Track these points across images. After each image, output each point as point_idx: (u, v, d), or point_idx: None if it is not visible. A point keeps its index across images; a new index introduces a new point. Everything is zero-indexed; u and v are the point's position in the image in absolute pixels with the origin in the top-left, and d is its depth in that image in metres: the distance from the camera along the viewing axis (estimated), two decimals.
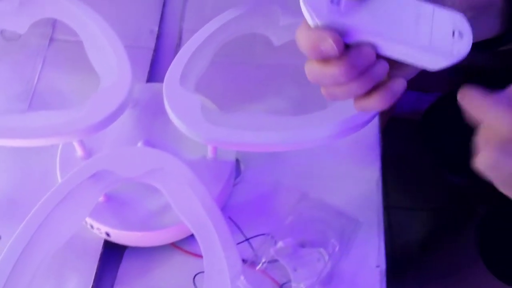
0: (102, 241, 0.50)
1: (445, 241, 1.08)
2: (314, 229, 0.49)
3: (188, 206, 0.42)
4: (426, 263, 1.07)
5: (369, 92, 0.32)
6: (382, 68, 0.31)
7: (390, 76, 0.32)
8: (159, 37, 0.65)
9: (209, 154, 0.51)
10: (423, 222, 1.14)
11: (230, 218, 0.52)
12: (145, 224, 0.48)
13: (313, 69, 0.32)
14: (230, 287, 0.39)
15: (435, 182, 1.13)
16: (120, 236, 0.49)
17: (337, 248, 0.46)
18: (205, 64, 0.52)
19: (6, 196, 0.52)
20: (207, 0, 0.67)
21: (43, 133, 0.45)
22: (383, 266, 0.49)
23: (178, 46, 0.64)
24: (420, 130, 0.89)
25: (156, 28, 0.65)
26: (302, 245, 0.49)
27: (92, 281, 0.48)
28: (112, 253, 0.51)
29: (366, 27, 0.29)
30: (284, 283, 0.47)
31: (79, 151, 0.50)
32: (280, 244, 0.47)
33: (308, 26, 0.30)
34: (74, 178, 0.44)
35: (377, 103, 0.32)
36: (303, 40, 0.30)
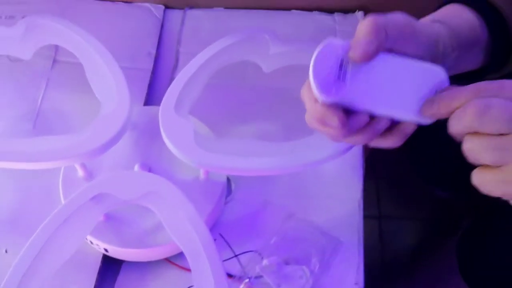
0: (101, 256, 0.54)
1: (432, 251, 1.11)
2: (298, 247, 0.53)
3: (179, 226, 0.46)
4: (415, 271, 1.10)
5: (382, 134, 0.35)
6: (381, 125, 0.33)
7: None
8: (156, 59, 0.68)
9: (202, 175, 0.55)
10: (413, 231, 1.17)
11: (220, 235, 0.56)
12: (140, 241, 0.51)
13: (312, 124, 0.35)
14: None
15: (425, 192, 1.17)
16: (117, 252, 0.52)
17: (317, 267, 0.49)
18: (198, 91, 0.56)
19: (12, 213, 0.56)
20: (202, 25, 0.71)
21: (48, 157, 0.49)
22: (361, 284, 0.53)
23: (175, 68, 0.68)
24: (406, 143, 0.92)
25: (154, 51, 0.68)
26: (287, 262, 0.52)
27: None
28: (110, 267, 0.54)
29: (365, 101, 0.32)
30: None
31: (80, 172, 0.54)
32: (265, 261, 0.51)
33: (311, 89, 0.33)
34: (77, 200, 0.48)
35: (390, 143, 0.35)
36: (311, 113, 0.33)
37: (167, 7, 0.72)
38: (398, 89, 0.32)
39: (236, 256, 0.55)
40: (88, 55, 0.56)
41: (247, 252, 0.54)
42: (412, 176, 1.14)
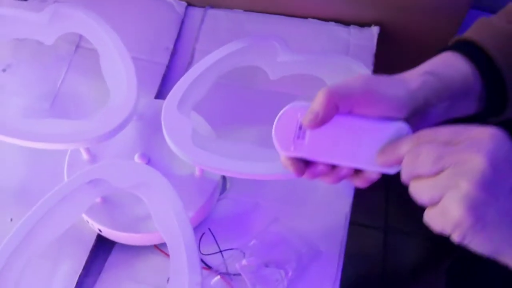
0: (96, 235, 0.57)
1: (434, 270, 1.11)
2: (279, 251, 0.55)
3: (164, 217, 0.49)
4: None
5: (352, 175, 0.38)
6: (344, 172, 0.37)
7: None
8: (173, 54, 0.71)
9: (197, 172, 0.58)
10: (418, 248, 1.16)
11: (209, 229, 0.59)
12: (132, 227, 0.55)
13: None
14: None
15: None
16: (110, 233, 0.56)
17: (290, 273, 0.51)
18: (203, 91, 0.58)
19: (20, 185, 0.60)
20: (220, 25, 0.73)
21: (56, 139, 0.53)
22: None
23: (189, 64, 0.71)
24: None
25: (171, 46, 0.71)
26: (266, 265, 0.55)
27: (82, 267, 0.55)
28: (103, 247, 0.58)
29: (324, 156, 0.35)
30: None
31: (85, 156, 0.57)
32: (244, 261, 0.53)
33: None
34: (75, 182, 0.51)
35: (357, 184, 0.38)
36: (281, 160, 0.38)
37: (189, 4, 0.75)
38: (355, 145, 0.35)
39: (220, 251, 0.57)
40: (104, 46, 0.60)
41: (231, 249, 0.57)
42: None
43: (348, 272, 1.11)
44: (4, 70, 0.67)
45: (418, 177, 0.32)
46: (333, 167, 0.37)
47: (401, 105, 0.36)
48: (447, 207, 0.30)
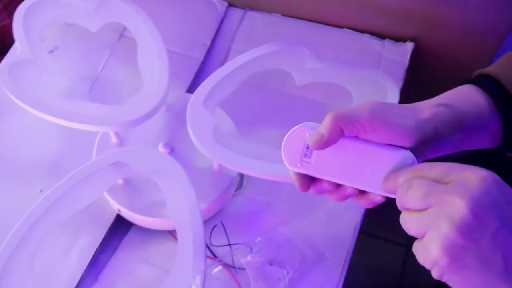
0: (115, 215, 0.61)
1: None
2: (284, 251, 0.57)
3: (177, 206, 0.52)
4: None
5: (357, 195, 0.38)
6: (349, 191, 0.37)
7: None
8: (209, 51, 0.74)
9: (215, 166, 0.60)
10: None
11: (221, 222, 0.61)
12: (148, 210, 0.58)
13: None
14: (188, 282, 0.48)
15: None
16: (128, 215, 0.59)
17: (290, 273, 0.53)
18: (230, 90, 0.61)
19: (53, 160, 0.65)
20: (257, 27, 0.75)
21: (90, 121, 0.57)
22: None
23: (223, 62, 0.73)
24: None
25: (209, 43, 0.74)
26: (271, 263, 0.56)
27: (99, 243, 0.59)
28: (121, 226, 0.61)
29: (328, 175, 0.37)
30: None
31: (113, 139, 0.61)
32: (249, 256, 0.55)
33: None
34: (101, 161, 0.55)
35: (362, 204, 0.39)
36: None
37: (230, 4, 0.77)
38: (359, 168, 0.36)
39: (229, 245, 0.60)
40: (143, 38, 0.63)
41: (239, 244, 0.59)
42: None
43: (365, 284, 1.11)
44: (51, 52, 0.72)
45: (407, 209, 0.33)
46: (338, 185, 0.38)
47: (408, 134, 0.36)
48: (427, 244, 0.31)
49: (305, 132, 0.38)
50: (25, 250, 0.52)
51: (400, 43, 0.73)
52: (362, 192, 0.38)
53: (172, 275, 0.49)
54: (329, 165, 0.37)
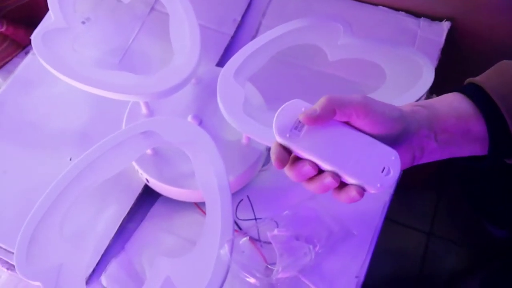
0: (143, 185, 0.61)
1: (468, 280, 1.07)
2: (310, 226, 0.56)
3: (206, 176, 0.52)
4: None
5: (336, 188, 0.39)
6: (328, 180, 0.37)
7: None
8: (239, 26, 0.73)
9: (243, 140, 0.60)
10: (459, 258, 1.13)
11: (248, 197, 0.61)
12: (176, 181, 0.58)
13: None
14: (216, 251, 0.48)
15: (483, 225, 1.12)
16: (155, 185, 0.60)
17: (317, 248, 0.53)
18: (261, 63, 0.60)
19: (83, 129, 0.65)
20: (289, 3, 0.74)
21: (121, 90, 0.57)
22: (361, 278, 0.55)
23: (253, 38, 0.72)
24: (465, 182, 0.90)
25: (239, 18, 0.73)
26: (297, 238, 0.56)
27: (127, 213, 0.60)
28: (148, 197, 0.62)
29: (311, 152, 0.37)
30: (271, 263, 0.55)
31: (143, 109, 0.61)
32: (275, 231, 0.55)
33: None
34: (130, 131, 0.55)
35: (339, 198, 0.39)
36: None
37: None
38: (343, 153, 0.37)
39: (255, 219, 0.59)
40: (176, 11, 0.63)
41: (265, 218, 0.59)
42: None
43: (385, 268, 1.10)
44: (83, 23, 0.72)
45: None
46: (319, 172, 0.38)
47: (393, 121, 0.38)
48: None
49: (301, 107, 0.38)
50: (55, 216, 0.52)
51: (436, 22, 0.70)
52: (340, 187, 0.38)
53: (200, 244, 0.49)
54: (315, 144, 0.37)
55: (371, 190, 0.37)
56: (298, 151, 0.38)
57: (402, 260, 1.13)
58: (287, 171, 0.39)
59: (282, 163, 0.38)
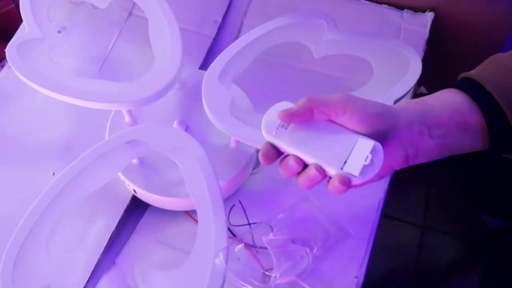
0: (131, 196, 0.59)
1: (467, 273, 1.07)
2: (306, 228, 0.55)
3: (196, 183, 0.50)
4: None
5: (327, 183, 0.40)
6: (313, 173, 0.39)
7: None
8: (220, 27, 0.72)
9: (232, 143, 0.58)
10: (453, 248, 1.13)
11: (240, 201, 0.60)
12: (165, 190, 0.56)
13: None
14: (211, 260, 0.47)
15: (476, 214, 1.12)
16: (143, 195, 0.58)
17: (314, 251, 0.51)
18: (245, 64, 0.58)
19: (65, 142, 0.63)
20: (270, 1, 0.73)
21: (101, 99, 0.55)
22: (361, 278, 0.54)
23: (236, 39, 0.70)
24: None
25: (220, 19, 0.72)
26: (293, 241, 0.55)
27: (115, 226, 0.58)
28: (137, 208, 0.60)
29: (297, 147, 0.40)
30: (268, 269, 0.54)
31: (127, 118, 0.59)
32: (271, 235, 0.54)
33: None
34: (114, 141, 0.53)
35: (330, 191, 0.39)
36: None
37: None
38: (325, 146, 0.39)
39: (249, 224, 0.58)
40: (154, 14, 0.61)
41: (259, 223, 0.57)
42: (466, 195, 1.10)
43: (381, 264, 1.10)
44: (59, 32, 0.70)
45: None
46: (305, 166, 0.40)
47: (375, 116, 0.38)
48: None
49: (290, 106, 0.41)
50: (40, 234, 0.50)
51: (420, 13, 0.70)
52: (329, 180, 0.39)
53: (194, 254, 0.48)
54: (298, 139, 0.40)
55: (354, 180, 0.38)
56: (283, 146, 0.40)
57: (398, 255, 1.13)
58: (279, 169, 0.41)
59: (268, 159, 0.40)
